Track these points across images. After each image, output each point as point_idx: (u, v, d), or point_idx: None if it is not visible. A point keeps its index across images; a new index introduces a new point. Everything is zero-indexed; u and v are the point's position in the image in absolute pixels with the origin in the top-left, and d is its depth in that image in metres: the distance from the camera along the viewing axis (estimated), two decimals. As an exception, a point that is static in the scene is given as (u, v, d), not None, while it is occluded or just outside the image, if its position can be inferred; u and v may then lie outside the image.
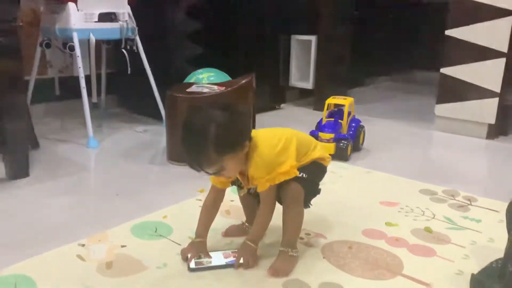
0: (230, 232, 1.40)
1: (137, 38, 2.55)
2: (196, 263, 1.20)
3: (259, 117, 2.92)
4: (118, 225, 1.43)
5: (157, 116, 2.67)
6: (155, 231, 1.40)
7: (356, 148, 2.29)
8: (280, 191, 1.20)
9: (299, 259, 1.24)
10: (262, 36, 3.10)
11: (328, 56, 3.33)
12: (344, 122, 2.23)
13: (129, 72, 2.61)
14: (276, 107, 3.35)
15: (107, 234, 1.37)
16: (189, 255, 1.22)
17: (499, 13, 2.40)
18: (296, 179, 1.18)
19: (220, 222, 1.44)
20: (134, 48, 2.56)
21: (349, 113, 2.27)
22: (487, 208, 1.62)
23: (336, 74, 3.47)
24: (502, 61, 2.45)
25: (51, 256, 1.24)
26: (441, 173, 2.03)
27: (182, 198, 1.64)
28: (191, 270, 1.19)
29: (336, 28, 3.42)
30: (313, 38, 3.27)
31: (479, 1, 2.46)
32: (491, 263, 1.21)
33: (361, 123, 2.33)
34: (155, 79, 2.61)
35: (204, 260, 1.22)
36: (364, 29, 4.09)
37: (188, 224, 1.43)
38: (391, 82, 4.79)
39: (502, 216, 1.53)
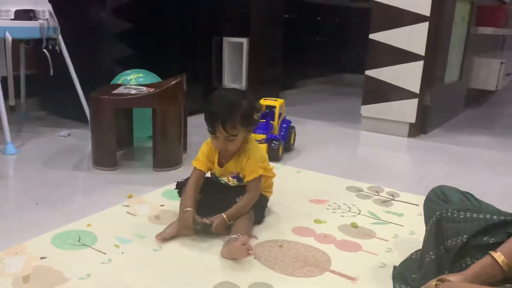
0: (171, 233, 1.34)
1: (60, 38, 2.41)
2: None
3: (193, 119, 2.89)
4: (37, 236, 1.33)
5: (82, 119, 2.54)
6: (79, 240, 1.32)
7: (287, 148, 2.33)
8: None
9: (229, 261, 1.23)
10: (194, 37, 3.06)
11: (260, 58, 3.38)
12: (276, 123, 2.26)
13: (51, 73, 2.47)
14: (209, 109, 3.32)
15: (24, 246, 1.28)
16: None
17: (417, 18, 2.56)
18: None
19: (150, 228, 1.39)
20: (57, 48, 2.42)
21: (280, 114, 2.30)
22: (408, 203, 1.71)
23: (268, 76, 3.52)
24: (420, 64, 2.61)
25: (-42, 274, 1.14)
26: (367, 171, 2.12)
27: (108, 205, 1.57)
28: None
29: (267, 31, 3.47)
30: (244, 41, 3.29)
31: (399, 7, 2.60)
32: (411, 254, 1.28)
33: (292, 124, 2.37)
34: (80, 80, 2.49)
35: None
36: (294, 32, 4.19)
37: (113, 232, 1.38)
38: (322, 85, 4.94)
39: (421, 209, 1.62)
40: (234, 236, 1.28)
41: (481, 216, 1.10)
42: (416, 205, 1.69)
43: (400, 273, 1.20)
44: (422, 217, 1.56)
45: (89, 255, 1.25)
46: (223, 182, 1.48)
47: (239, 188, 1.46)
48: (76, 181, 1.84)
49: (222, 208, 1.38)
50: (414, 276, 1.17)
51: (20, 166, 2.02)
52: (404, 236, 1.45)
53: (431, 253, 1.14)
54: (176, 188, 1.54)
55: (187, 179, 1.48)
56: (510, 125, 3.39)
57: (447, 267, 1.09)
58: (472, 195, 1.22)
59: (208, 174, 1.52)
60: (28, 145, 2.28)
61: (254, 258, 1.26)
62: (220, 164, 1.46)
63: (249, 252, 1.24)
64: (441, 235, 1.13)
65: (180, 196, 1.49)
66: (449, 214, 1.13)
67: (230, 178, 1.47)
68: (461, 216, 1.11)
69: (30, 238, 1.32)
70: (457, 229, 1.10)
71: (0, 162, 2.02)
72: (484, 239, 1.06)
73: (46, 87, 2.80)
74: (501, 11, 3.71)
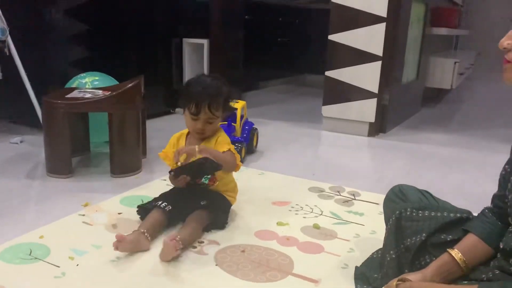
0: (126, 245, 1.26)
1: (9, 40, 2.29)
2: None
3: (153, 122, 2.83)
4: (-16, 251, 1.25)
5: (35, 124, 2.43)
6: (30, 254, 1.25)
7: (250, 150, 2.31)
8: None
9: (192, 269, 1.20)
10: (153, 39, 3.00)
11: (221, 60, 3.34)
12: (238, 125, 2.23)
13: (0, 77, 2.35)
14: (171, 111, 3.27)
15: (-31, 262, 1.20)
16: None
17: (374, 19, 2.60)
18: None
19: (107, 237, 1.34)
20: (6, 50, 2.31)
21: (242, 116, 2.28)
22: (368, 202, 1.73)
23: (229, 77, 3.45)
24: (378, 64, 2.66)
25: None
26: (329, 171, 2.14)
27: (62, 215, 1.50)
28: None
29: (228, 32, 3.44)
30: (205, 42, 3.25)
31: (356, 8, 2.64)
32: (372, 254, 1.29)
33: (254, 126, 2.36)
34: (33, 84, 2.37)
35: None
36: (256, 33, 4.18)
37: (68, 243, 1.31)
38: (284, 85, 4.96)
39: (382, 208, 1.64)
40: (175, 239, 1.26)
41: (438, 214, 1.12)
42: (377, 204, 1.71)
43: (362, 273, 1.20)
44: (383, 216, 1.58)
45: (41, 269, 1.18)
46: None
47: (203, 192, 1.44)
48: (29, 190, 1.75)
49: (188, 214, 1.39)
50: (375, 275, 1.18)
51: (-34, 176, 1.90)
52: (365, 236, 1.46)
53: (391, 252, 1.14)
54: (138, 212, 1.47)
55: (149, 203, 1.45)
56: (464, 122, 3.52)
57: (407, 265, 1.10)
58: (429, 194, 1.24)
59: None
60: (-24, 153, 2.16)
61: (216, 265, 1.23)
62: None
63: (176, 250, 1.21)
64: (400, 234, 1.14)
65: (141, 217, 1.45)
66: (408, 213, 1.15)
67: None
68: (420, 215, 1.13)
69: (-24, 253, 1.24)
70: (416, 227, 1.11)
71: None
72: (442, 237, 1.08)
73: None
74: (453, 12, 3.85)
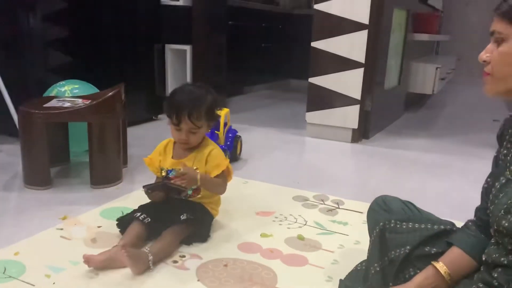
0: (97, 263, 1.23)
1: (-16, 47, 2.23)
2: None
3: (135, 129, 2.79)
4: (-46, 270, 1.20)
5: (13, 133, 2.36)
6: (4, 272, 1.20)
7: (234, 158, 2.29)
8: None
9: (172, 285, 1.17)
10: (134, 45, 2.95)
11: (204, 65, 3.32)
12: (221, 133, 2.21)
13: (-25, 85, 2.28)
14: (153, 118, 3.22)
15: None
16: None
17: (356, 26, 2.61)
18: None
19: (86, 252, 1.29)
20: (-19, 58, 2.24)
21: (225, 124, 2.26)
22: (352, 210, 1.72)
23: (213, 83, 3.44)
24: (361, 71, 2.66)
25: None
26: (313, 178, 2.13)
27: (39, 229, 1.45)
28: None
29: (211, 38, 3.42)
30: (187, 48, 3.22)
31: (339, 15, 2.64)
32: (356, 266, 1.28)
33: (237, 133, 2.33)
34: (10, 92, 2.31)
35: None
36: (239, 39, 4.17)
37: (45, 260, 1.27)
38: (268, 90, 4.96)
39: (366, 217, 1.64)
40: (145, 251, 1.24)
41: (422, 226, 1.11)
42: (361, 212, 1.70)
43: (346, 286, 1.18)
44: (367, 225, 1.58)
45: (15, 288, 1.14)
46: (171, 174, 1.42)
47: (184, 204, 1.41)
48: (4, 203, 1.69)
49: (168, 227, 1.36)
50: (360, 288, 1.17)
51: None
52: (349, 246, 1.45)
53: (375, 265, 1.13)
54: (117, 225, 1.43)
55: (128, 215, 1.42)
56: (446, 126, 3.55)
57: (391, 278, 1.09)
58: (412, 204, 1.23)
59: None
60: (-50, 164, 2.09)
61: (198, 280, 1.21)
62: (176, 157, 1.44)
63: (123, 251, 1.19)
64: (385, 247, 1.13)
65: (121, 231, 1.41)
66: (391, 225, 1.14)
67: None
68: (404, 227, 1.12)
69: None
70: (400, 240, 1.10)
71: None
72: (426, 249, 1.07)
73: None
74: (434, 18, 3.90)
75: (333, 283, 1.22)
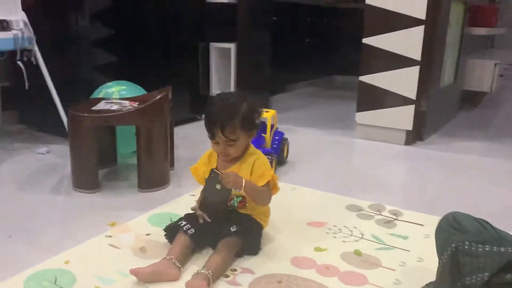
0: (146, 276, 1.19)
1: (36, 48, 2.26)
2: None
3: (180, 129, 2.76)
4: (7, 279, 1.19)
5: (62, 134, 2.39)
6: (55, 282, 1.18)
7: (281, 162, 2.21)
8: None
9: (223, 303, 1.11)
10: (179, 44, 2.92)
11: (248, 63, 3.25)
12: (268, 136, 2.13)
13: (26, 87, 2.32)
14: (198, 117, 3.19)
15: (-8, 292, 1.14)
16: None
17: (412, 22, 2.46)
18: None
19: (134, 263, 1.25)
20: (33, 59, 2.27)
21: (272, 126, 2.18)
22: (412, 222, 1.60)
23: (257, 81, 3.40)
24: (416, 69, 2.51)
25: None
26: (366, 185, 2.01)
27: (88, 236, 1.43)
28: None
29: (255, 35, 3.35)
30: (232, 46, 3.16)
31: (392, 10, 2.50)
32: (422, 288, 1.17)
33: (284, 136, 2.25)
34: (59, 93, 2.33)
35: None
36: (283, 35, 4.07)
37: (94, 270, 1.24)
38: (312, 87, 4.83)
39: (427, 230, 1.52)
40: (204, 272, 1.17)
41: (502, 249, 0.99)
42: (421, 225, 1.58)
43: (413, 312, 1.08)
44: (429, 240, 1.46)
45: (66, 301, 1.11)
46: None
47: (232, 215, 1.34)
48: (54, 207, 1.69)
49: (216, 238, 1.29)
50: (428, 315, 1.06)
51: (-8, 190, 1.86)
52: (412, 264, 1.33)
53: (447, 291, 1.03)
54: (165, 233, 1.39)
55: (175, 223, 1.36)
56: (505, 127, 3.32)
57: (466, 307, 0.98)
58: (488, 223, 1.11)
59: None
60: (3, 165, 2.13)
61: (251, 298, 1.14)
62: (219, 168, 1.36)
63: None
64: (457, 271, 1.02)
65: (169, 241, 1.36)
66: (466, 247, 1.02)
67: None
68: (480, 250, 1.00)
69: (0, 280, 1.18)
70: (476, 264, 0.99)
71: (-30, 187, 1.87)
72: (507, 277, 0.95)
73: (24, 100, 2.65)
74: (493, 11, 3.65)
75: (397, 307, 1.12)
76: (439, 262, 1.09)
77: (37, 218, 1.58)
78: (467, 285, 0.99)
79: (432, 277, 1.11)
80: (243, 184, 1.27)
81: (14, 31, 2.15)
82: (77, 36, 2.42)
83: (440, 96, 2.94)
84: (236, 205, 1.37)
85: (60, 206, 1.71)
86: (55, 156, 2.27)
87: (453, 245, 1.04)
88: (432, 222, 1.54)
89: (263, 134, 2.12)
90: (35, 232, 1.47)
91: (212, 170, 1.30)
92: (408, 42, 2.49)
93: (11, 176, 1.99)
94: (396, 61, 2.54)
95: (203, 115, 1.33)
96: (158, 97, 1.81)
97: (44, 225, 1.53)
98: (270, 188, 1.35)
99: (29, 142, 2.47)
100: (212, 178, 1.29)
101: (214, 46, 3.16)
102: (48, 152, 2.31)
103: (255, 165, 1.33)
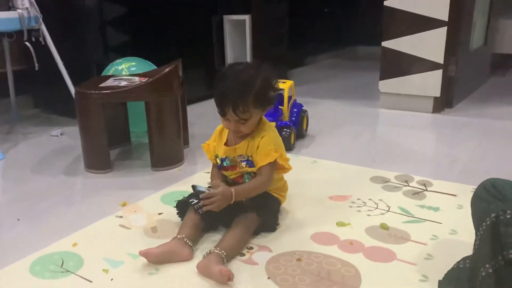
0: (156, 257, 1.12)
1: (43, 28, 2.19)
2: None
3: (195, 107, 2.68)
4: (14, 262, 1.14)
5: (75, 115, 2.33)
6: (61, 265, 1.13)
7: (300, 135, 2.10)
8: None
9: (241, 283, 1.03)
10: (191, 18, 2.81)
11: (264, 36, 3.12)
12: (285, 108, 2.02)
13: (36, 68, 2.26)
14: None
15: (-3, 276, 1.09)
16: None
17: (437, -21, 2.27)
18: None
19: (145, 244, 1.18)
20: (41, 39, 2.21)
21: (289, 98, 2.06)
22: (443, 193, 1.48)
23: (274, 55, 3.27)
24: (443, 30, 2.33)
25: None
26: (391, 156, 1.89)
27: (98, 216, 1.37)
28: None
29: (271, 6, 3.20)
30: (246, 18, 3.03)
31: (416, -32, 2.32)
32: (458, 263, 1.06)
33: (303, 108, 2.13)
34: (70, 73, 2.28)
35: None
36: (300, 5, 3.90)
37: (102, 251, 1.18)
38: (333, 59, 4.65)
39: (461, 200, 1.41)
40: (217, 252, 1.08)
41: (550, 218, 0.87)
42: (454, 195, 1.46)
43: (448, 290, 0.98)
44: (462, 211, 1.34)
45: (72, 285, 1.05)
46: (226, 164, 1.27)
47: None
48: (65, 188, 1.64)
49: (230, 216, 1.21)
50: (465, 292, 0.95)
51: (5, 174, 1.83)
52: (444, 237, 1.22)
53: (487, 266, 0.91)
54: (177, 210, 1.31)
55: (188, 197, 1.27)
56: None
57: (509, 283, 0.86)
58: (532, 189, 0.98)
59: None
60: (17, 148, 2.09)
61: (268, 278, 1.05)
62: (229, 143, 1.28)
63: (229, 280, 1.03)
64: (498, 244, 0.90)
65: (180, 217, 1.28)
66: (508, 216, 0.90)
67: (239, 162, 1.26)
68: (524, 219, 0.88)
69: (6, 265, 1.13)
70: (520, 236, 0.87)
71: (-16, 171, 1.84)
72: (557, 248, 0.83)
73: (37, 83, 2.61)
74: (526, -34, 3.38)
75: (429, 284, 1.02)
76: (476, 235, 0.97)
77: (47, 200, 1.53)
78: (509, 259, 0.87)
79: (468, 251, 1.00)
80: (233, 198, 1.17)
81: (19, 10, 2.09)
82: (86, 13, 2.34)
83: (470, 60, 2.74)
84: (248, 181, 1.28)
85: (71, 187, 1.65)
86: (69, 138, 2.22)
87: (493, 214, 0.93)
88: (465, 191, 1.43)
89: (280, 107, 2.01)
90: (43, 214, 1.42)
91: (193, 187, 1.20)
92: (434, 1, 2.31)
93: (25, 159, 1.95)
94: (422, 23, 2.36)
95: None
96: (166, 70, 1.71)
97: (53, 206, 1.48)
98: (272, 169, 1.23)
99: (44, 125, 2.43)
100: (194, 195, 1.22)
101: (228, 19, 3.04)
102: (62, 134, 2.27)
103: (261, 143, 1.23)
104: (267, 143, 1.22)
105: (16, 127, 2.42)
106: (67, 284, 1.05)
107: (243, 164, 1.25)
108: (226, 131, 1.31)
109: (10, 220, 1.39)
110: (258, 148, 1.22)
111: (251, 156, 1.24)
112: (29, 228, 1.34)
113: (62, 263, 1.14)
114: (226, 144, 1.29)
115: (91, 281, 1.06)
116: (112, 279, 1.06)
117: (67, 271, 1.10)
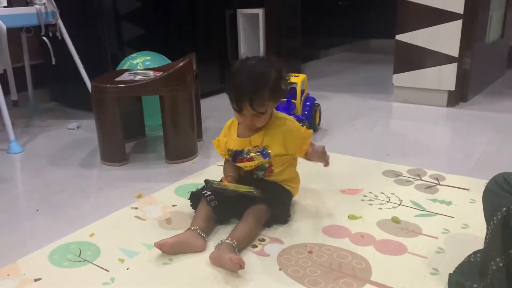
0: (170, 248, 1.14)
1: (60, 22, 2.24)
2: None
3: (209, 101, 2.70)
4: (34, 251, 1.18)
5: (91, 109, 2.37)
6: (79, 255, 1.16)
7: (313, 128, 2.10)
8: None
9: (252, 274, 1.05)
10: (205, 12, 2.83)
11: (278, 30, 3.12)
12: (298, 101, 2.03)
13: (53, 62, 2.31)
14: (227, 88, 3.11)
15: (18, 265, 1.12)
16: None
17: (453, -29, 2.25)
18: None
19: (160, 234, 1.20)
20: (57, 34, 2.25)
21: (302, 91, 2.07)
22: (456, 187, 1.48)
23: (287, 48, 3.27)
24: (458, 24, 2.31)
25: None
26: (404, 150, 1.89)
27: (114, 208, 1.40)
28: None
29: (284, -1, 3.20)
30: (260, 11, 3.03)
31: (431, -40, 2.29)
32: (469, 257, 1.06)
33: (316, 101, 2.14)
34: (86, 67, 2.32)
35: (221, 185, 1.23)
36: (314, -2, 3.89)
37: (118, 242, 1.21)
38: (347, 53, 4.63)
39: (473, 195, 1.40)
40: (228, 242, 1.10)
41: (561, 213, 0.87)
42: (466, 189, 1.45)
43: (458, 283, 0.98)
44: (475, 205, 1.34)
45: (90, 273, 1.08)
46: (244, 156, 1.29)
47: (258, 184, 1.27)
48: (82, 180, 1.68)
49: (242, 208, 1.23)
50: (475, 285, 0.96)
51: (23, 166, 1.87)
52: (456, 231, 1.22)
53: (497, 259, 0.91)
54: (190, 201, 1.33)
55: (201, 189, 1.30)
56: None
57: (520, 277, 0.87)
58: (544, 184, 0.98)
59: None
60: (35, 141, 2.14)
61: (280, 269, 1.07)
62: (241, 135, 1.30)
63: (241, 268, 1.05)
64: (509, 237, 0.91)
65: (193, 209, 1.30)
66: (519, 210, 0.91)
67: (254, 152, 1.28)
68: (536, 214, 0.89)
69: (26, 254, 1.17)
70: (531, 230, 0.87)
71: (3, 163, 1.88)
72: None
73: (54, 76, 2.66)
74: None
75: (440, 277, 1.02)
76: (487, 228, 0.97)
77: (64, 191, 1.57)
78: (520, 252, 0.88)
79: (479, 245, 1.00)
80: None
81: (37, 6, 2.13)
82: (102, 8, 2.37)
83: (486, 53, 2.71)
84: (261, 176, 1.30)
85: (87, 179, 1.69)
86: (86, 131, 2.26)
87: (504, 209, 0.93)
88: (478, 185, 1.43)
89: (292, 100, 2.02)
90: (61, 205, 1.46)
91: (205, 181, 1.25)
92: (449, -6, 2.29)
93: (42, 152, 2.00)
94: (437, 16, 2.34)
95: (226, 85, 1.23)
96: (180, 64, 1.74)
97: (70, 198, 1.52)
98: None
99: (61, 119, 2.48)
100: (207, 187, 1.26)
101: (242, 13, 3.05)
102: (78, 127, 2.31)
103: (288, 132, 1.27)
104: (296, 129, 1.28)
105: (34, 120, 2.48)
106: (85, 272, 1.09)
107: (259, 155, 1.27)
108: (235, 126, 1.33)
109: (30, 211, 1.44)
110: (287, 137, 1.26)
111: (267, 146, 1.26)
112: (48, 218, 1.38)
113: (80, 252, 1.17)
114: (238, 136, 1.31)
115: (107, 270, 1.09)
116: (128, 269, 1.09)
117: (85, 260, 1.14)
